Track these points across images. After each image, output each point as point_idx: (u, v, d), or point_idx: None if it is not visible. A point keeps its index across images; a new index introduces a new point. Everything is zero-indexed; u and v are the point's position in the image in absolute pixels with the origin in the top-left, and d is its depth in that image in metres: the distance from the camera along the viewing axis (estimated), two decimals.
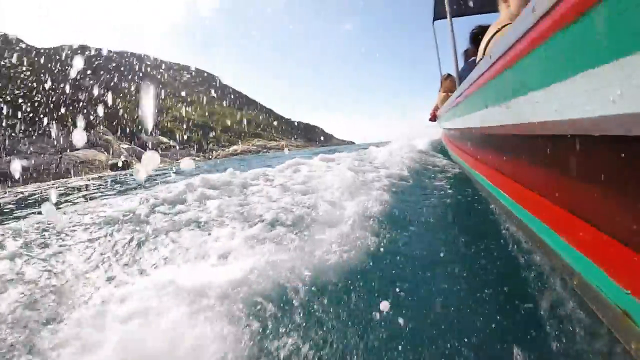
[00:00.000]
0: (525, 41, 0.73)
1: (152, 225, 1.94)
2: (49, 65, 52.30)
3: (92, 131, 47.97)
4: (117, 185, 6.73)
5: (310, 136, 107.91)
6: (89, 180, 11.68)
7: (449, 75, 4.46)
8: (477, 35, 2.59)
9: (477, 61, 1.89)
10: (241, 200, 2.28)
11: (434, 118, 5.01)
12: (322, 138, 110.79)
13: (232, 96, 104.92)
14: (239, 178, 2.91)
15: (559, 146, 0.81)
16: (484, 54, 1.71)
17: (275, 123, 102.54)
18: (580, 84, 0.56)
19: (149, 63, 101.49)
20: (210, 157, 63.55)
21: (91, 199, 4.05)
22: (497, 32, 1.67)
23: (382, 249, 1.49)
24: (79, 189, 6.55)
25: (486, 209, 1.85)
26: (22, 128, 39.77)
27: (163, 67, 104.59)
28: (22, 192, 8.97)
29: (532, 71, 0.75)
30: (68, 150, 41.86)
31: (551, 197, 0.92)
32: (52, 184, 13.97)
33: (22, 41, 59.21)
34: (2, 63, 44.60)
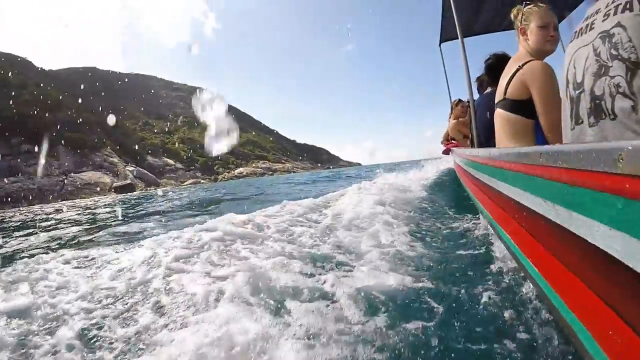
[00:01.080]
0: (595, 180, 0.55)
1: None
2: (57, 87, 53.50)
3: (97, 153, 48.27)
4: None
5: (316, 158, 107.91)
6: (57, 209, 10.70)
7: (460, 100, 4.33)
8: (492, 66, 2.47)
9: (497, 102, 1.73)
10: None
11: (447, 151, 4.57)
12: (328, 160, 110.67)
13: (238, 118, 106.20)
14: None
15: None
16: (504, 94, 1.65)
17: (280, 145, 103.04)
18: None
19: (155, 84, 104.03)
20: (217, 179, 63.40)
21: None
22: (517, 70, 1.58)
23: None
24: None
25: None
26: (27, 149, 40.06)
27: (170, 88, 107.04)
28: None
29: (599, 210, 0.57)
30: (72, 173, 41.94)
31: (587, 283, 0.72)
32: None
33: (30, 63, 61.05)
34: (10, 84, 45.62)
